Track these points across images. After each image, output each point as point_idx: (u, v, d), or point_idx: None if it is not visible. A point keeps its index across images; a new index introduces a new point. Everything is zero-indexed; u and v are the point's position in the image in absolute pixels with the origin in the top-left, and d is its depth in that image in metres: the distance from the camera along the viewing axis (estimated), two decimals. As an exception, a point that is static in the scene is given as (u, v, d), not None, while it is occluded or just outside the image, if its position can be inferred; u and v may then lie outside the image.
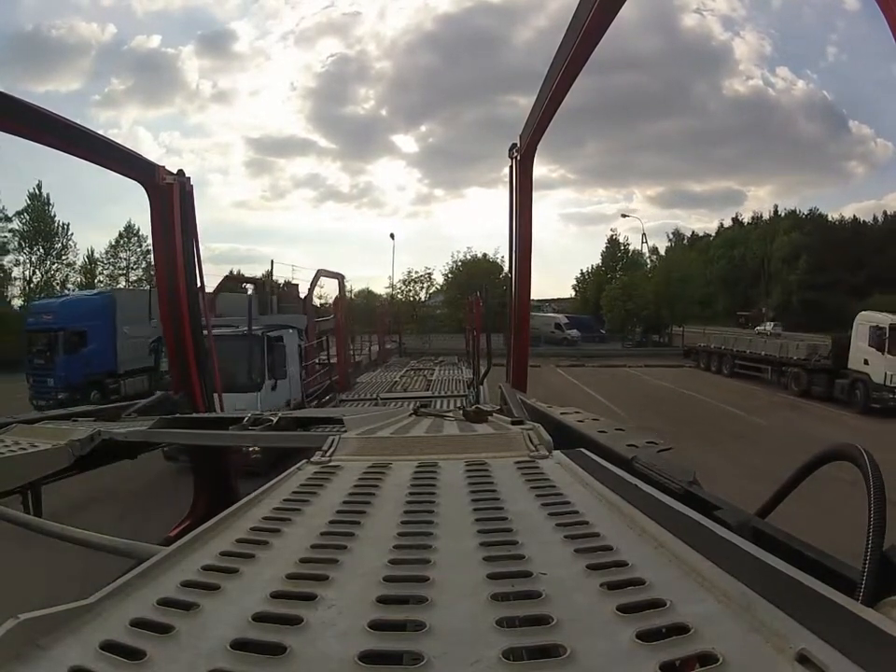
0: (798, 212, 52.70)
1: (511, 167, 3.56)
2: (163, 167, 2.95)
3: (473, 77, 75.55)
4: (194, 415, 2.63)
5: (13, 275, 31.54)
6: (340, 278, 15.13)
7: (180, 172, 3.02)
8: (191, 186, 3.08)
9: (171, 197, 2.94)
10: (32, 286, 31.45)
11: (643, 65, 60.21)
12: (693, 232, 58.57)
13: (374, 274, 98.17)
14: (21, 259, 31.70)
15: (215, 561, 0.65)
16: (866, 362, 15.23)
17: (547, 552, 0.65)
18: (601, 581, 0.56)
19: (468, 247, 42.97)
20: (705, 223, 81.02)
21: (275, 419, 1.85)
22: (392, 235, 43.81)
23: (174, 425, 2.00)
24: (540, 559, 0.63)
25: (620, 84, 56.07)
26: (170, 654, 0.46)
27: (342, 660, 0.45)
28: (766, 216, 55.97)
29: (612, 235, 42.43)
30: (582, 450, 1.17)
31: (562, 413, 1.79)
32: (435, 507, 0.83)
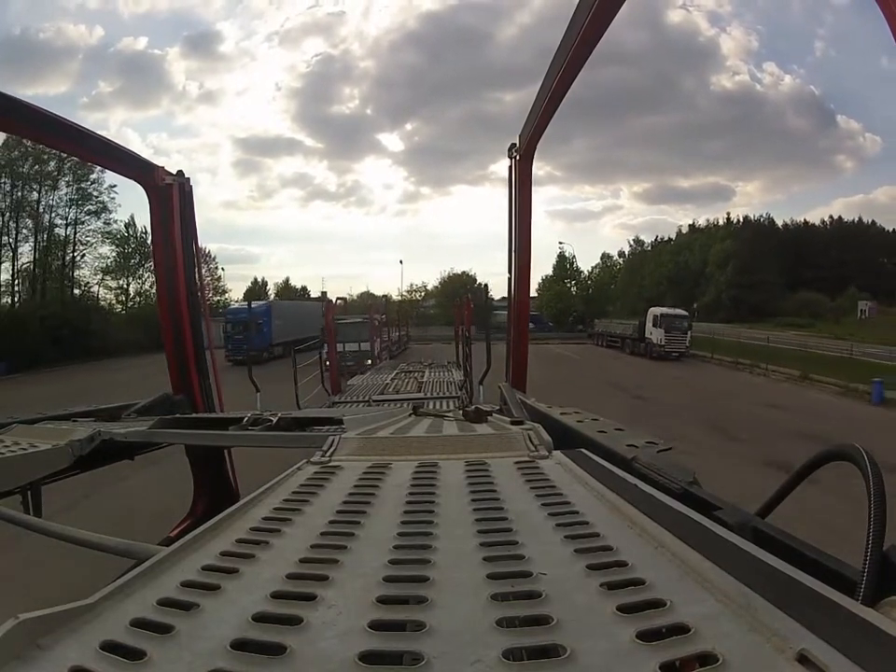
0: (753, 217, 62.44)
1: (511, 167, 3.55)
2: (163, 167, 2.94)
3: (457, 75, 76.52)
4: (194, 415, 2.63)
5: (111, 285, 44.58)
6: (387, 297, 26.82)
7: (180, 172, 3.02)
8: (191, 186, 3.07)
9: (170, 197, 2.94)
10: (128, 293, 45.73)
11: (630, 61, 61.63)
12: (657, 237, 69.85)
13: (361, 272, 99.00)
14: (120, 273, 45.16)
15: (215, 561, 0.65)
16: (651, 333, 31.28)
17: (547, 552, 0.65)
18: (601, 581, 0.56)
19: (451, 267, 64.78)
20: (692, 219, 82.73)
21: (275, 419, 1.85)
22: (401, 261, 64.36)
23: (174, 425, 2.00)
24: (540, 559, 0.63)
25: (607, 80, 57.42)
26: (170, 654, 0.46)
27: (342, 660, 0.45)
28: (751, 214, 64.42)
29: (560, 251, 58.76)
30: (582, 450, 1.17)
31: (562, 413, 1.79)
32: (435, 507, 0.83)
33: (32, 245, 38.82)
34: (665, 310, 32.22)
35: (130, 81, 73.88)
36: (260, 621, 0.51)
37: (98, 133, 2.59)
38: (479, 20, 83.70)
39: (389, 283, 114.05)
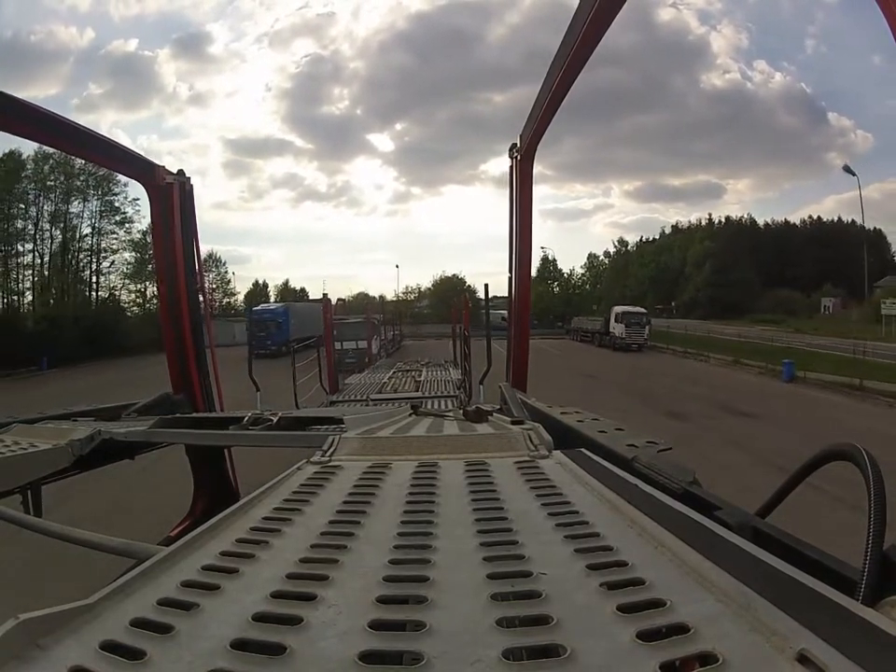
0: (736, 217, 66.47)
1: (511, 167, 3.54)
2: (163, 167, 2.94)
3: (447, 75, 76.60)
4: (194, 415, 2.62)
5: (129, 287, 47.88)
6: (382, 297, 31.09)
7: (180, 172, 3.02)
8: (191, 185, 3.07)
9: (171, 196, 2.94)
10: (145, 295, 48.60)
11: (620, 60, 61.42)
12: (641, 237, 73.59)
13: (354, 273, 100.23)
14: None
15: (215, 561, 0.65)
16: (614, 328, 35.78)
17: (547, 551, 0.65)
18: (601, 580, 0.56)
19: (442, 270, 71.68)
20: (683, 217, 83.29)
21: (275, 419, 1.85)
22: (397, 266, 73.15)
23: (174, 424, 2.00)
24: (540, 559, 0.63)
25: (597, 80, 57.01)
26: (170, 654, 0.46)
27: (342, 660, 0.45)
28: (742, 212, 69.81)
29: (544, 254, 62.37)
30: (582, 450, 1.17)
31: (562, 413, 1.79)
32: (435, 507, 0.83)
33: (61, 251, 43.25)
34: (626, 308, 37.37)
35: (120, 83, 74.63)
36: (260, 621, 0.51)
37: (98, 132, 2.59)
38: (468, 20, 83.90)
39: (382, 283, 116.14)
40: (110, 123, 66.60)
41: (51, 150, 33.42)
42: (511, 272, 3.69)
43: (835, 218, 63.37)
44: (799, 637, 0.44)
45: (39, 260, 41.99)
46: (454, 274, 68.52)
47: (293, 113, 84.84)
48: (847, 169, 35.91)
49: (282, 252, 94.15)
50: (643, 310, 37.85)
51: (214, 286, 55.91)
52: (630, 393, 18.34)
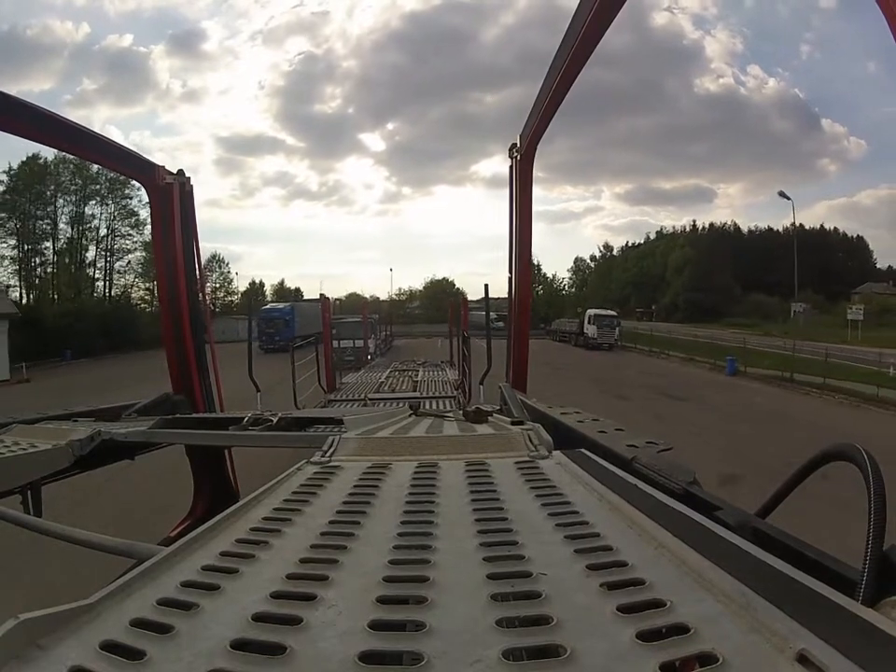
0: (718, 224, 68.10)
1: (511, 167, 3.55)
2: (163, 167, 2.95)
3: (439, 75, 76.45)
4: (194, 415, 2.63)
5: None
6: (375, 298, 33.76)
7: (180, 172, 3.02)
8: (191, 186, 3.08)
9: (171, 197, 2.94)
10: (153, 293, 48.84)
11: (614, 63, 61.16)
12: (627, 242, 76.03)
13: (344, 272, 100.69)
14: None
15: (215, 561, 0.65)
16: (587, 329, 38.88)
17: (547, 552, 0.65)
18: (601, 581, 0.56)
19: (433, 273, 72.78)
20: (674, 220, 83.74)
21: (275, 419, 1.85)
22: (391, 269, 75.69)
23: (174, 425, 2.00)
24: (540, 559, 0.62)
25: (590, 81, 56.39)
26: (170, 654, 0.46)
27: (342, 660, 0.45)
28: (722, 221, 70.22)
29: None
30: (582, 450, 1.17)
31: (562, 413, 1.79)
32: (435, 507, 0.83)
33: (78, 249, 47.17)
34: (597, 311, 40.93)
35: (114, 79, 74.69)
36: (260, 621, 0.51)
37: (98, 132, 2.59)
38: (461, 20, 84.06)
39: (373, 282, 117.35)
40: (103, 119, 66.71)
41: (71, 156, 35.43)
42: (510, 272, 3.69)
43: (818, 226, 65.09)
44: (799, 638, 0.44)
45: (57, 258, 45.49)
46: (444, 277, 72.30)
47: (285, 111, 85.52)
48: (782, 194, 41.08)
49: (273, 250, 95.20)
50: (613, 313, 41.21)
51: (217, 284, 58.45)
52: (591, 381, 21.75)
